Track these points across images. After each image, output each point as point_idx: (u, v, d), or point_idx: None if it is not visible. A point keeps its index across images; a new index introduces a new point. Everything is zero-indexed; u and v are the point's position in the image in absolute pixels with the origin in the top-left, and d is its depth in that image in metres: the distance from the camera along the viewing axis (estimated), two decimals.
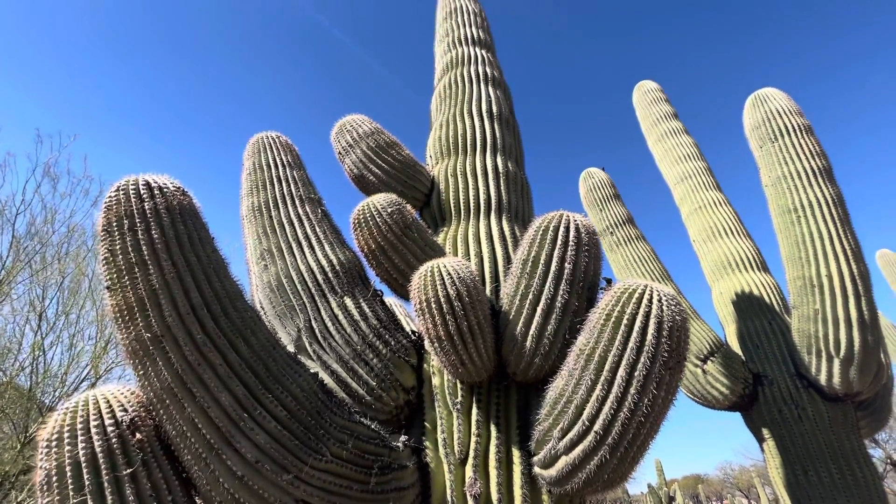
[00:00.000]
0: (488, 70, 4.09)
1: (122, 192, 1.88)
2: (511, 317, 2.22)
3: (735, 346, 5.48)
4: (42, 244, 8.67)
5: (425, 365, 2.56)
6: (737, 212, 6.30)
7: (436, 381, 2.45)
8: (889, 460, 17.17)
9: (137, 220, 1.82)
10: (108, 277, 1.79)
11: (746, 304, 5.51)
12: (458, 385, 2.37)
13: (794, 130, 4.84)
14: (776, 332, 5.17)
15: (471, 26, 4.48)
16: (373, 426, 2.14)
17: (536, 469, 2.09)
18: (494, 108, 3.73)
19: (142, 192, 1.90)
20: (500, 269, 2.78)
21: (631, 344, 1.75)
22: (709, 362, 5.12)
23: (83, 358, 8.52)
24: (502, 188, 3.28)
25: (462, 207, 3.21)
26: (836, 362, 4.35)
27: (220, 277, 2.01)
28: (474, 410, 2.30)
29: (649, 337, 1.75)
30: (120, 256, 1.77)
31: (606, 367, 1.79)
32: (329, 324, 2.44)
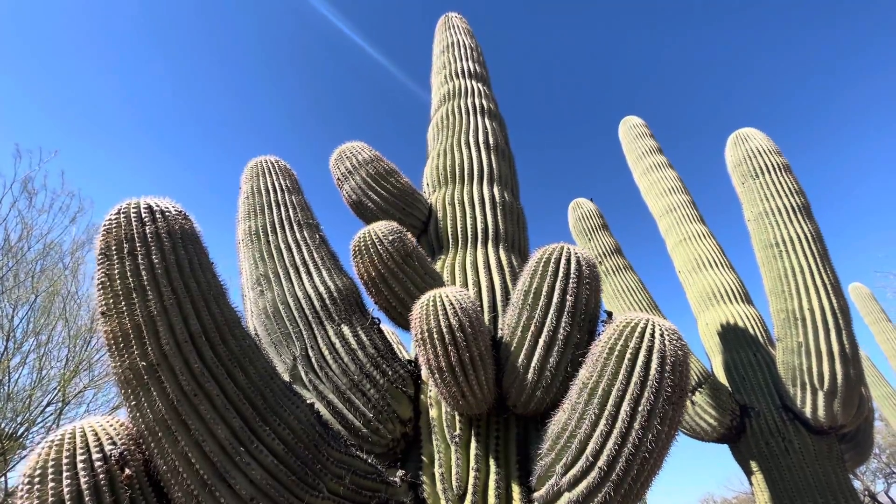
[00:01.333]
0: (484, 102, 4.21)
1: (122, 215, 1.85)
2: (512, 349, 2.21)
3: (721, 377, 5.54)
4: (16, 261, 8.37)
5: (422, 396, 2.52)
6: (720, 244, 6.49)
7: (433, 412, 2.41)
8: (867, 492, 17.30)
9: (138, 244, 1.79)
10: (103, 302, 1.73)
11: (732, 336, 5.61)
12: (457, 417, 2.33)
13: (774, 169, 5.07)
14: (761, 363, 5.26)
15: (467, 60, 4.62)
16: (369, 460, 2.08)
17: None
18: (491, 140, 3.82)
19: (143, 215, 1.87)
20: (499, 299, 2.79)
21: (634, 378, 1.76)
22: (697, 393, 5.15)
23: (52, 382, 8.12)
24: (499, 218, 3.32)
25: (459, 236, 3.23)
26: (821, 395, 4.43)
27: (220, 304, 1.97)
28: (473, 444, 2.25)
29: (653, 371, 1.76)
30: (118, 281, 1.72)
31: (610, 401, 1.79)
32: (326, 352, 2.39)
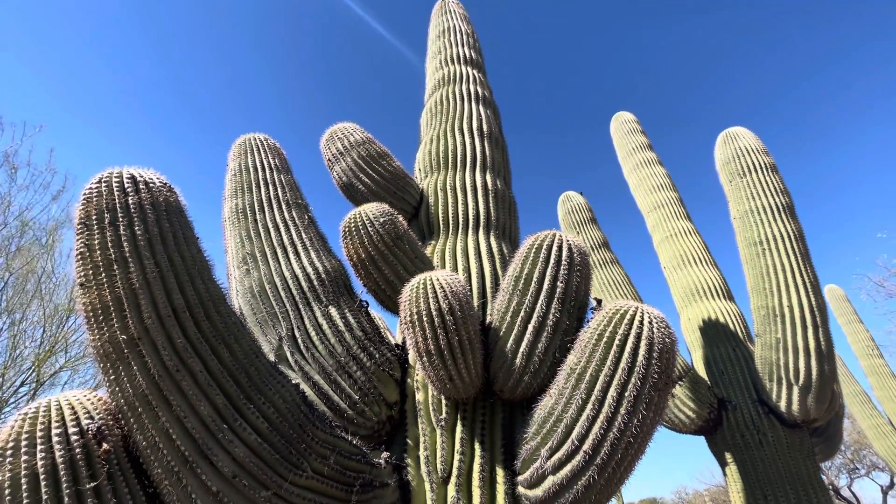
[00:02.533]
0: (479, 89, 4.17)
1: (104, 184, 1.78)
2: (501, 333, 2.21)
3: (701, 370, 5.65)
4: None
5: (409, 380, 2.51)
6: (705, 242, 6.59)
7: (420, 396, 2.40)
8: (832, 486, 17.99)
9: (120, 215, 1.72)
10: (82, 273, 1.67)
11: (713, 331, 5.72)
12: (443, 401, 2.33)
13: (760, 168, 5.15)
14: (740, 358, 5.38)
15: (463, 46, 4.56)
16: (354, 442, 2.07)
17: (521, 489, 2.06)
18: (485, 127, 3.79)
19: (126, 185, 1.81)
20: (488, 285, 2.78)
21: (622, 364, 1.78)
22: (677, 385, 5.25)
23: (25, 362, 7.91)
24: (491, 205, 3.31)
25: (451, 221, 3.21)
26: (796, 390, 4.56)
27: (205, 280, 1.92)
28: (459, 428, 2.26)
29: (640, 358, 1.78)
30: (98, 252, 1.66)
31: (597, 386, 1.80)
32: (312, 333, 2.36)
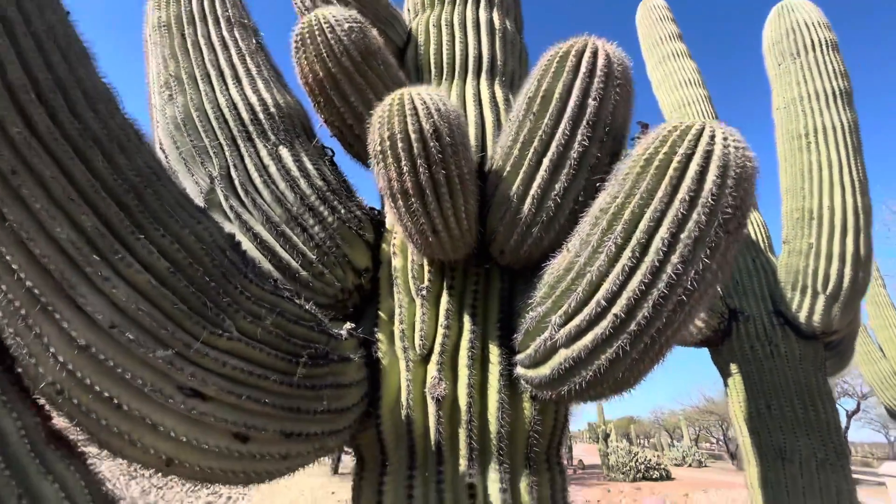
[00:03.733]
0: None
1: None
2: (505, 173, 1.63)
3: None
4: None
5: (384, 245, 1.98)
6: None
7: (397, 262, 1.89)
8: None
9: None
10: None
11: None
12: (426, 267, 1.82)
13: (819, 46, 4.31)
14: (759, 269, 4.94)
15: None
16: (306, 306, 1.57)
17: (520, 369, 1.61)
18: None
19: None
20: (489, 136, 2.16)
21: (681, 193, 1.22)
22: None
23: None
24: (496, 47, 2.58)
25: (445, 64, 2.51)
26: (821, 298, 4.15)
27: (83, 64, 1.30)
28: (444, 298, 1.76)
29: (709, 184, 1.22)
30: None
31: (641, 226, 1.26)
32: (255, 174, 1.78)
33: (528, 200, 1.56)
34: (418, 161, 1.48)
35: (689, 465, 26.64)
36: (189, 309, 1.25)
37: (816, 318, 4.19)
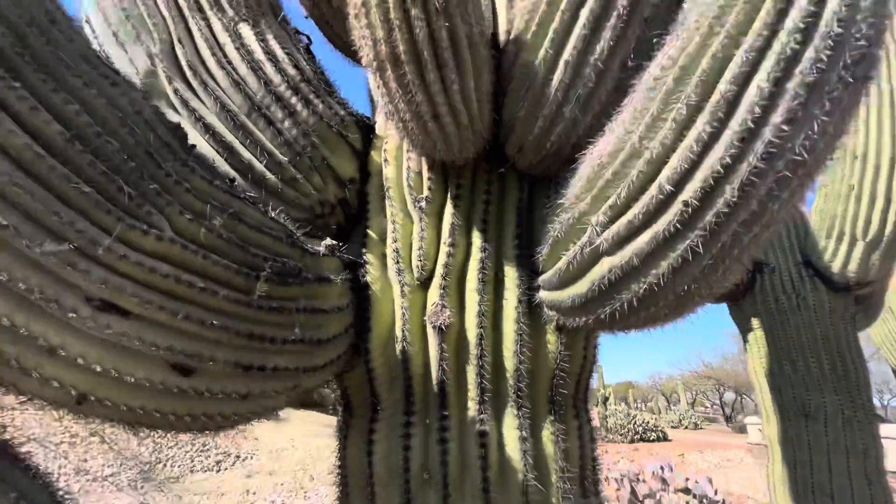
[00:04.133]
0: None
1: None
2: (530, 35, 1.24)
3: None
4: None
5: (373, 153, 1.61)
6: None
7: (389, 171, 1.53)
8: None
9: None
10: None
11: None
12: (426, 174, 1.46)
13: None
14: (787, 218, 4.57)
15: None
16: (272, 214, 1.23)
17: (544, 293, 1.28)
18: None
19: None
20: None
21: (793, 18, 0.84)
22: None
23: None
24: None
25: None
26: (860, 246, 3.81)
27: None
28: (448, 211, 1.41)
29: (827, 15, 0.84)
30: None
31: (727, 74, 0.88)
32: (206, 52, 1.40)
33: (561, 68, 1.18)
34: (413, 11, 1.09)
35: (686, 427, 27.15)
36: (97, 192, 0.90)
37: (853, 266, 3.86)
